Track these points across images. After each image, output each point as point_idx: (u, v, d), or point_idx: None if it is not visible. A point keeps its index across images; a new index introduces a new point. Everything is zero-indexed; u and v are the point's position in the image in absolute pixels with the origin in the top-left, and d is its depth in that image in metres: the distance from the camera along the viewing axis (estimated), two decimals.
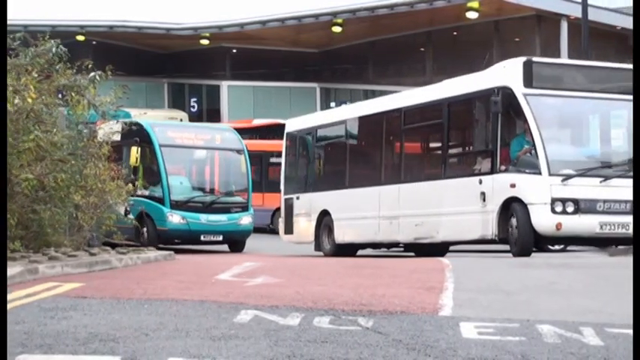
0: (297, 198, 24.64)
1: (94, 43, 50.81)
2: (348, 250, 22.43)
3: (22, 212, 14.91)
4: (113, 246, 17.21)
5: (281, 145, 35.12)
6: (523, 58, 18.01)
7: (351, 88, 54.91)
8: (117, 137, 25.30)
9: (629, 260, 14.16)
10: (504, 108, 17.53)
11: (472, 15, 44.95)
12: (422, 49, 50.70)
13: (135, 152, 24.79)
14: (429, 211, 19.60)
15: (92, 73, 17.09)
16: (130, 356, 6.77)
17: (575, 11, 32.09)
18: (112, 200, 18.06)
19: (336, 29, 49.72)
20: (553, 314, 9.29)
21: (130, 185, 18.95)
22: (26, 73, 15.75)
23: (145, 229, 24.70)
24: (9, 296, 9.68)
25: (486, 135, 18.15)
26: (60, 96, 17.19)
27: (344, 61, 55.11)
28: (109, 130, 25.90)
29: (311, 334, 7.82)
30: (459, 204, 18.66)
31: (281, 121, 40.02)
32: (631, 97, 16.37)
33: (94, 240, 17.62)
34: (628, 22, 40.12)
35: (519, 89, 17.43)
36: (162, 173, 24.84)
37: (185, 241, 25.36)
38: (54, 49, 16.45)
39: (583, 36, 25.34)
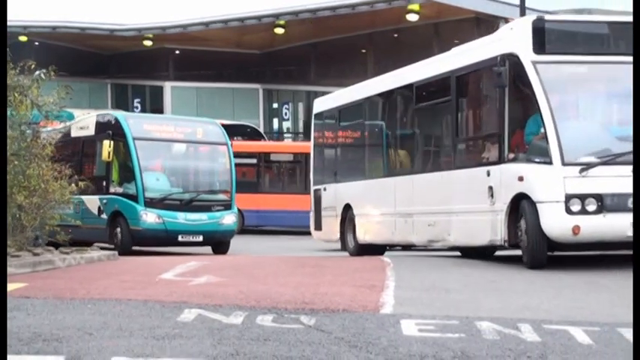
0: (325, 189, 21.67)
1: (37, 43, 50.34)
2: (372, 250, 18.81)
3: None
4: (56, 246, 17.08)
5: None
6: (533, 17, 14.33)
7: (294, 89, 55.02)
8: (89, 133, 24.61)
9: (567, 259, 14.11)
10: (511, 81, 14.07)
11: (412, 17, 45.13)
12: (363, 50, 50.83)
13: (107, 146, 22.85)
14: (440, 209, 16.33)
15: (36, 72, 16.94)
16: (73, 356, 6.73)
17: (514, 14, 32.35)
18: (54, 200, 17.85)
19: (279, 31, 49.70)
20: (492, 311, 9.38)
21: (74, 185, 18.61)
22: None
23: (118, 230, 22.78)
24: None
25: (493, 115, 14.87)
26: None
27: (286, 62, 55.13)
28: (81, 125, 25.55)
29: (254, 333, 7.82)
30: (467, 201, 15.33)
31: (225, 122, 39.99)
32: None
33: (39, 240, 17.44)
34: None
35: (528, 56, 13.82)
36: (136, 169, 22.63)
37: (161, 241, 23.12)
38: None
39: None
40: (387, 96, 19.02)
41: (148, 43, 53.31)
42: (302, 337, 7.64)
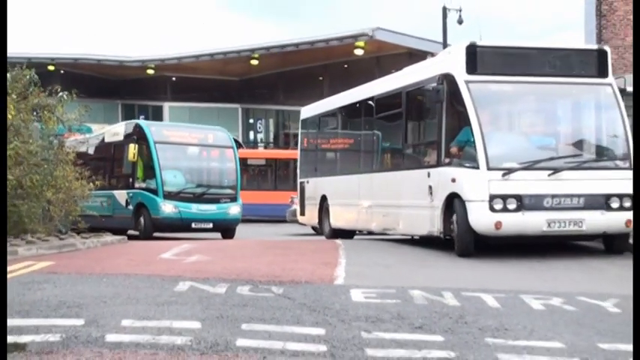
0: (307, 182, 20.70)
1: (62, 72, 49.89)
2: (344, 234, 18.16)
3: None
4: (78, 232, 16.98)
5: None
6: (467, 42, 13.20)
7: (266, 108, 54.94)
8: (119, 138, 24.11)
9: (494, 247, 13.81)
10: (448, 97, 13.19)
11: (359, 52, 45.29)
12: (320, 78, 50.83)
13: (132, 149, 22.26)
14: (392, 203, 15.56)
15: (61, 94, 16.83)
16: (91, 319, 6.69)
17: (438, 49, 32.50)
18: (76, 196, 17.72)
19: (254, 62, 49.68)
20: (422, 282, 9.40)
21: (92, 184, 18.49)
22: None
23: (141, 219, 22.10)
24: None
25: (434, 125, 13.89)
26: (34, 113, 16.87)
27: (260, 87, 55.06)
28: (113, 132, 25.15)
29: (235, 300, 7.80)
30: (412, 197, 14.46)
31: None
32: (586, 79, 13.20)
33: (66, 228, 17.31)
34: None
35: (461, 76, 12.93)
36: (157, 167, 21.90)
37: (177, 228, 22.07)
38: (28, 76, 16.17)
39: None
40: (355, 106, 18.15)
41: (150, 71, 53.06)
42: (273, 303, 7.63)
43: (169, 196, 21.89)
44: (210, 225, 22.19)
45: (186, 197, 22.19)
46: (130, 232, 22.30)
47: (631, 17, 26.74)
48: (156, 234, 21.91)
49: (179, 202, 21.89)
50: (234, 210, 22.84)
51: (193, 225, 21.95)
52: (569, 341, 6.28)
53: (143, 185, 22.49)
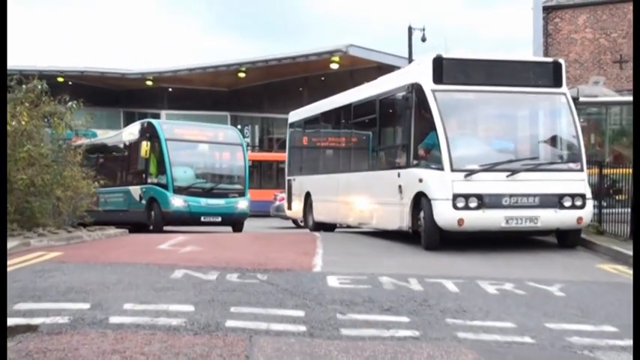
0: (294, 180, 20.04)
1: (70, 83, 49.43)
2: (326, 227, 17.84)
3: (18, 203, 14.68)
4: (84, 225, 16.88)
5: None
6: (434, 55, 12.81)
7: (251, 116, 54.87)
8: (134, 137, 23.24)
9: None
10: (416, 104, 12.85)
11: (334, 66, 45.32)
12: (300, 88, 50.77)
13: (145, 146, 21.13)
14: (367, 200, 15.29)
15: (69, 103, 16.73)
16: (97, 303, 6.66)
17: (404, 64, 32.55)
18: (83, 194, 17.59)
19: (241, 75, 49.60)
20: (390, 269, 9.43)
21: (96, 183, 18.29)
22: (21, 103, 15.44)
23: (152, 212, 21.00)
24: (9, 261, 9.44)
25: (403, 130, 13.62)
26: (45, 120, 16.74)
27: (246, 97, 54.94)
28: (129, 131, 24.74)
29: (225, 286, 7.80)
30: (385, 195, 14.10)
31: None
32: (542, 89, 12.97)
33: (73, 222, 17.19)
34: None
35: (428, 85, 12.53)
36: (167, 163, 20.76)
37: (187, 221, 20.75)
38: (39, 87, 16.09)
39: None
40: (335, 112, 17.61)
41: (149, 82, 52.80)
42: (258, 289, 7.62)
43: (179, 190, 20.86)
44: (219, 219, 21.08)
45: (195, 192, 21.10)
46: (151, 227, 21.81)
47: (574, 36, 26.96)
48: (167, 227, 21.21)
49: (188, 197, 20.87)
50: (242, 204, 21.71)
51: (202, 218, 20.87)
52: (519, 321, 6.32)
53: (155, 180, 21.48)
